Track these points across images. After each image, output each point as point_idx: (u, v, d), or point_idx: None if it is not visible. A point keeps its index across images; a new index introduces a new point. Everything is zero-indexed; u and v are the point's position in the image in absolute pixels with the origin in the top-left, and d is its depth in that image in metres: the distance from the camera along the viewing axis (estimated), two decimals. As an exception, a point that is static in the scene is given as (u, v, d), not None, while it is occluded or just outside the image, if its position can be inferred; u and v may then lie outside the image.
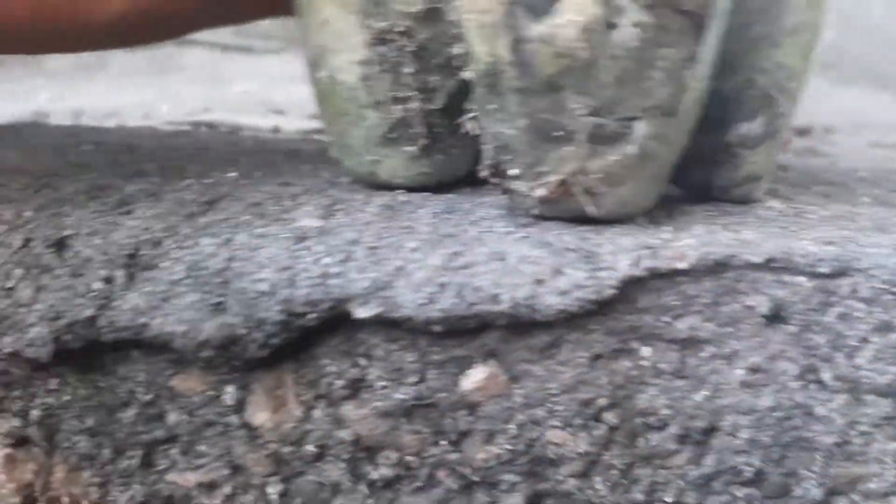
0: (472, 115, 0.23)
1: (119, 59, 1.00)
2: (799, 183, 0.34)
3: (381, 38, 0.24)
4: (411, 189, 0.27)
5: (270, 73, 1.01)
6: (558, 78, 0.20)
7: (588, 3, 0.19)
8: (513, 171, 0.22)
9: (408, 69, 0.25)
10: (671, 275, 0.21)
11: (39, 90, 0.84)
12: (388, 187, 0.27)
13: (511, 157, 0.22)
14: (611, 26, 0.20)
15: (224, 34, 1.12)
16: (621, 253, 0.21)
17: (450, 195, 0.27)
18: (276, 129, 0.54)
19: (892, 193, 0.33)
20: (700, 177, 0.27)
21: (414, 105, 0.25)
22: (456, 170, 0.28)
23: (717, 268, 0.22)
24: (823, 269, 0.22)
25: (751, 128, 0.26)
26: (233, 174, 0.29)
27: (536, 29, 0.20)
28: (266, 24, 1.17)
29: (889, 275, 0.22)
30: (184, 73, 0.97)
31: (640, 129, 0.21)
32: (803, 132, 0.77)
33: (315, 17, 0.25)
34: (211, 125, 0.50)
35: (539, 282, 0.21)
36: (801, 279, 0.22)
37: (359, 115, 0.26)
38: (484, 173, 0.23)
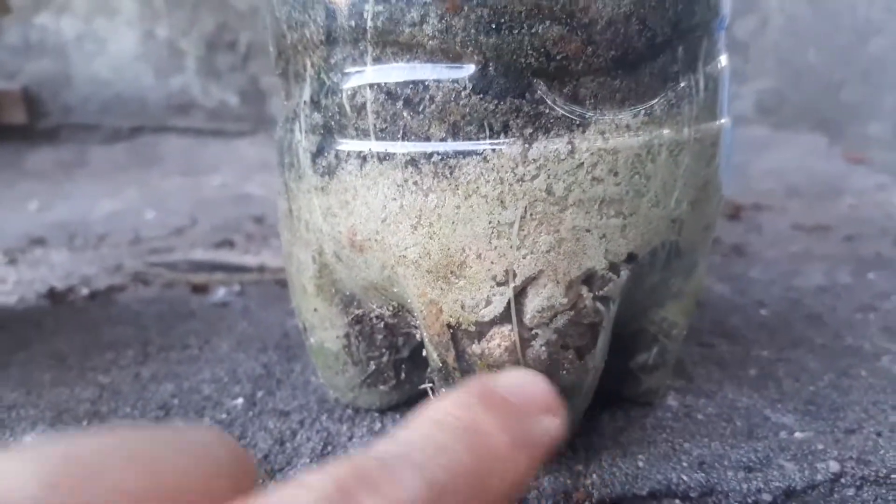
0: (430, 384, 0.30)
1: (97, 153, 1.04)
2: (706, 344, 0.41)
3: (358, 320, 0.31)
4: (384, 411, 0.34)
5: (244, 159, 1.07)
6: (491, 380, 0.28)
7: (507, 333, 0.27)
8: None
9: (379, 335, 0.32)
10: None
11: (28, 197, 0.89)
12: (366, 410, 0.34)
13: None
14: (526, 346, 0.27)
15: (197, 119, 1.18)
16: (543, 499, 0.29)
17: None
18: (261, 268, 0.60)
19: (780, 352, 0.41)
20: (614, 387, 0.35)
21: (385, 359, 0.32)
22: (417, 390, 0.35)
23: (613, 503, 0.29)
24: (693, 494, 0.29)
25: (646, 359, 0.34)
26: (238, 402, 0.36)
27: (473, 348, 0.27)
28: (237, 108, 1.23)
29: (740, 498, 0.29)
30: (162, 165, 1.02)
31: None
32: (734, 215, 0.86)
33: (306, 304, 0.32)
34: (197, 287, 0.56)
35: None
36: (677, 502, 0.30)
37: (342, 369, 0.33)
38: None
